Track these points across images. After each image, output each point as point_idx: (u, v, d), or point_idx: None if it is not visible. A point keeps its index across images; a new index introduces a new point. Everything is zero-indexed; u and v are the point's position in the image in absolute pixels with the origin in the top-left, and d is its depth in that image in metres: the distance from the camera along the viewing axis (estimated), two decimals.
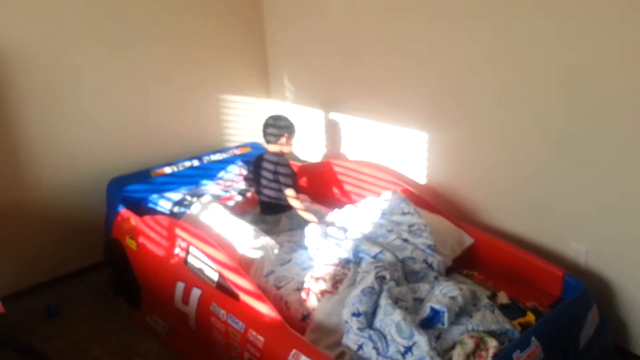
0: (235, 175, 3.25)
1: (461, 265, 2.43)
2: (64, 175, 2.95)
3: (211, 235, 2.36)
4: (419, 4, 2.66)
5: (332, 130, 3.43)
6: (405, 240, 2.34)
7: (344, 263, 2.23)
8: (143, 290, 2.63)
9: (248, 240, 2.28)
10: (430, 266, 2.24)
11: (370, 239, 2.36)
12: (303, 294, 2.13)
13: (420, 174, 2.96)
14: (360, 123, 3.21)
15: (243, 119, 3.74)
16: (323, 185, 3.25)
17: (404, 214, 2.50)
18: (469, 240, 2.52)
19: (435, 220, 2.54)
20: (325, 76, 3.34)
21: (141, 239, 2.57)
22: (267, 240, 2.30)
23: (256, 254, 2.24)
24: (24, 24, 2.66)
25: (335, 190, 3.18)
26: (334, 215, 2.70)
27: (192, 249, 2.29)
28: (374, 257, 2.23)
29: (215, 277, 2.17)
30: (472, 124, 2.62)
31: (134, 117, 3.17)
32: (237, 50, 3.58)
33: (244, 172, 3.20)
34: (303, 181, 3.33)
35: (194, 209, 2.63)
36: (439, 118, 2.76)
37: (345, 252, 2.28)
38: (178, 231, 2.38)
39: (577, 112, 2.21)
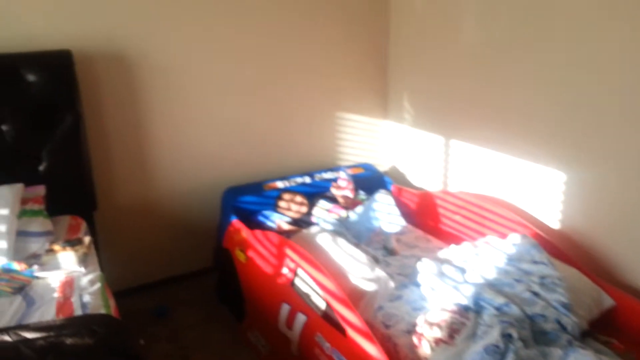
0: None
1: (597, 329, 2.11)
2: (184, 179, 3.05)
3: (322, 259, 2.26)
4: (567, 25, 2.39)
5: (452, 158, 3.22)
6: (536, 294, 2.07)
7: (463, 311, 2.02)
8: (248, 304, 2.61)
9: (362, 270, 2.16)
10: (563, 328, 1.95)
11: (494, 286, 2.13)
12: (415, 339, 1.95)
13: (552, 217, 2.65)
14: (484, 154, 2.97)
15: (357, 138, 3.64)
16: (437, 217, 3.04)
17: (534, 262, 2.23)
18: (608, 302, 2.19)
19: (571, 274, 2.24)
20: (449, 100, 3.14)
21: (250, 253, 2.55)
22: (381, 272, 2.16)
23: (369, 287, 2.10)
24: (156, 32, 2.78)
25: (451, 223, 2.96)
26: (450, 252, 2.50)
27: (300, 272, 2.21)
28: (498, 308, 1.99)
29: (322, 305, 2.07)
30: (620, 164, 2.28)
31: (252, 127, 3.20)
32: (358, 67, 3.50)
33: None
34: (416, 210, 3.15)
35: (312, 229, 2.55)
36: (581, 155, 2.45)
37: (465, 298, 2.07)
38: (287, 251, 2.31)
39: None
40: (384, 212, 2.72)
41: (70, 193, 2.52)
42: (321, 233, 2.47)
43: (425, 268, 2.30)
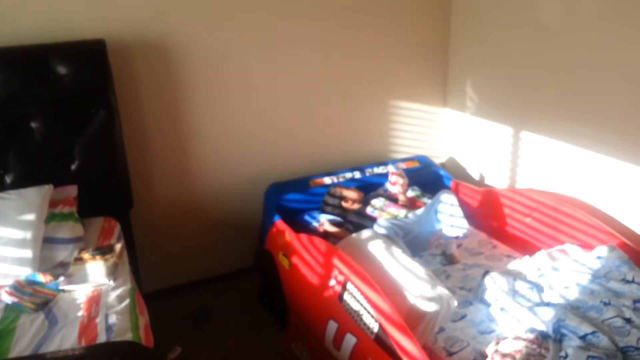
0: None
1: None
2: (226, 174, 2.85)
3: (374, 271, 2.00)
4: None
5: (522, 152, 2.85)
6: (629, 321, 1.74)
7: (541, 339, 1.72)
8: (291, 313, 2.40)
9: (421, 287, 1.88)
10: None
11: (577, 310, 1.81)
12: None
13: None
14: (561, 148, 2.60)
15: (413, 129, 3.33)
16: (503, 218, 2.70)
17: (625, 281, 1.89)
18: None
19: None
20: (521, 86, 2.77)
21: (294, 259, 2.32)
22: (443, 290, 1.88)
23: (429, 307, 1.83)
24: (198, 20, 2.56)
25: (521, 226, 2.62)
26: (522, 264, 2.18)
27: (349, 286, 1.96)
28: (583, 337, 1.68)
29: (374, 327, 1.81)
30: None
31: (298, 118, 2.95)
32: (415, 48, 3.15)
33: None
34: (478, 210, 2.82)
35: (363, 233, 2.30)
36: None
37: (542, 324, 1.77)
38: (335, 261, 2.06)
39: None
40: (447, 214, 2.42)
41: (105, 192, 2.36)
42: (373, 240, 2.21)
43: (493, 284, 2.00)
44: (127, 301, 1.71)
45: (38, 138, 2.19)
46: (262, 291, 2.78)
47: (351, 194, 2.72)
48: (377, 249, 2.14)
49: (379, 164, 3.06)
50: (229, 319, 2.69)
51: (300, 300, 2.28)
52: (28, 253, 1.86)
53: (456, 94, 3.26)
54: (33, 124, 2.19)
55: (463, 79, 3.18)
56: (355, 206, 2.70)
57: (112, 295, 1.74)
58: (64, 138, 2.24)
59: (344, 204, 2.70)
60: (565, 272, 2.02)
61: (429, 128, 3.37)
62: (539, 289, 1.98)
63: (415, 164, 3.14)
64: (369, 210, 2.66)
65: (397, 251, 2.10)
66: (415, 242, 2.41)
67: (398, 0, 3.00)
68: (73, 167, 2.28)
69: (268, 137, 2.89)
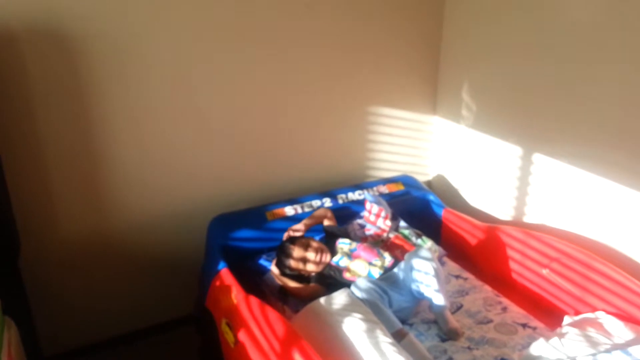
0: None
1: None
2: (156, 203, 2.19)
3: None
4: None
5: (534, 179, 2.29)
6: None
7: None
8: None
9: None
10: None
11: None
12: None
13: None
14: (584, 179, 2.05)
15: (396, 141, 2.71)
16: (513, 265, 2.14)
17: None
18: None
19: None
20: (532, 96, 2.20)
21: (242, 335, 1.69)
22: None
23: None
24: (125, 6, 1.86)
25: (536, 279, 2.06)
26: (549, 349, 1.62)
27: None
28: None
29: None
30: None
31: (250, 129, 2.29)
32: (396, 42, 2.52)
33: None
34: (479, 251, 2.26)
35: (335, 298, 1.70)
36: None
37: None
38: (296, 355, 1.45)
39: None
40: (427, 279, 1.81)
41: None
42: (350, 314, 1.60)
43: None
44: None
45: None
46: (203, 356, 2.15)
47: (310, 254, 1.98)
48: (356, 332, 1.53)
49: (354, 188, 2.45)
50: None
51: None
52: None
53: (449, 100, 2.66)
54: None
55: (458, 81, 2.57)
56: (326, 259, 2.03)
57: None
58: None
59: (298, 266, 1.99)
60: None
61: (414, 140, 2.76)
62: None
63: (399, 188, 2.54)
64: (333, 261, 2.02)
65: (384, 340, 1.50)
66: (399, 314, 1.81)
67: None
68: None
69: (213, 153, 2.23)
